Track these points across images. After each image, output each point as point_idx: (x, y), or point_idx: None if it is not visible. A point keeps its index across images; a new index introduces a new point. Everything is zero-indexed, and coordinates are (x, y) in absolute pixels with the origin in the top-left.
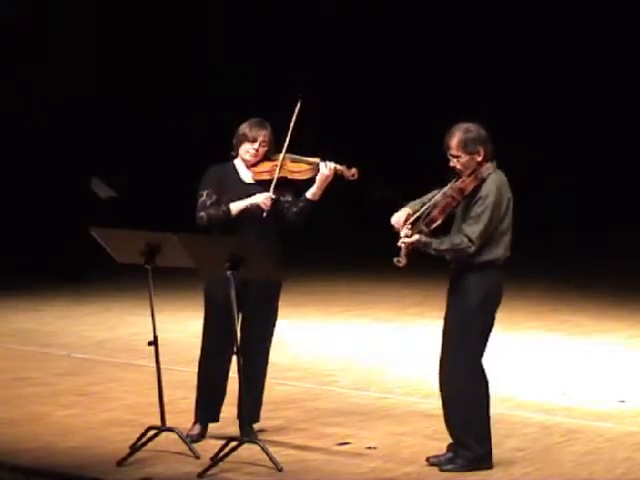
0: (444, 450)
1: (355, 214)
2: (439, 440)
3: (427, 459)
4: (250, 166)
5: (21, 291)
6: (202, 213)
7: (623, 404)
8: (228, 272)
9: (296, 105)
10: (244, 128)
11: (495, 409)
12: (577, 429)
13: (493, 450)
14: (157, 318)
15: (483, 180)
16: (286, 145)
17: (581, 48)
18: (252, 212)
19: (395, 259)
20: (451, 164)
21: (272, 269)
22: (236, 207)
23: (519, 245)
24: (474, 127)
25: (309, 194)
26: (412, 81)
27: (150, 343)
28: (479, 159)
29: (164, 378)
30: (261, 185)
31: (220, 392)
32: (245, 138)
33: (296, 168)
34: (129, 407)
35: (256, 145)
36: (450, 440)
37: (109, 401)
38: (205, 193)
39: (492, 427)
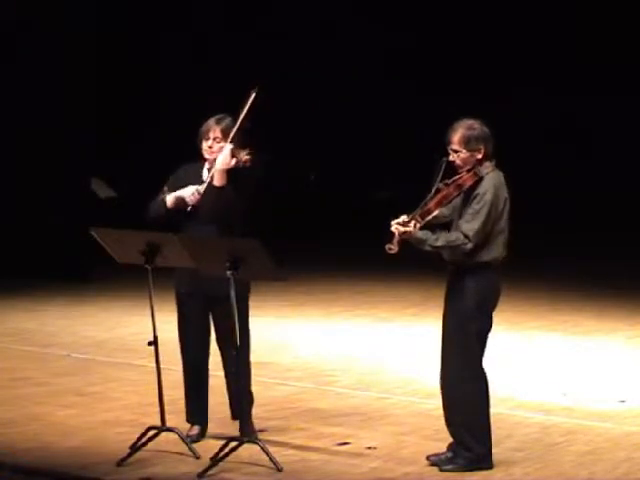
0: (444, 450)
1: (356, 214)
2: (439, 440)
3: (427, 458)
4: (210, 163)
5: (21, 291)
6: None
7: (623, 404)
8: (228, 272)
9: (250, 96)
10: (202, 127)
11: (495, 409)
12: (577, 429)
13: (493, 450)
14: (157, 318)
15: (481, 178)
16: (231, 136)
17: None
18: (209, 212)
19: (387, 246)
20: (450, 158)
21: (273, 269)
22: (170, 198)
23: (519, 245)
24: (477, 124)
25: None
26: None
27: (150, 343)
28: (479, 156)
29: (164, 378)
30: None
31: (203, 394)
32: (201, 135)
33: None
34: (129, 407)
35: (209, 142)
36: (450, 439)
37: (109, 401)
38: (162, 190)
39: (492, 427)
